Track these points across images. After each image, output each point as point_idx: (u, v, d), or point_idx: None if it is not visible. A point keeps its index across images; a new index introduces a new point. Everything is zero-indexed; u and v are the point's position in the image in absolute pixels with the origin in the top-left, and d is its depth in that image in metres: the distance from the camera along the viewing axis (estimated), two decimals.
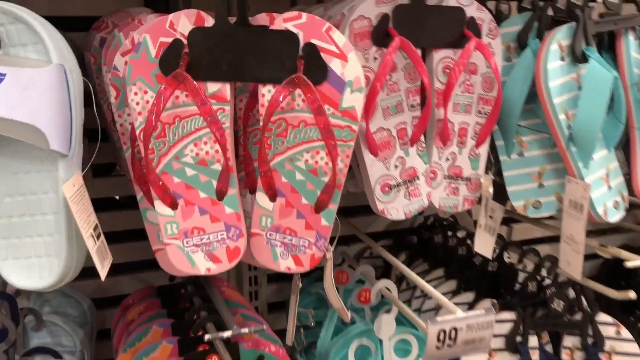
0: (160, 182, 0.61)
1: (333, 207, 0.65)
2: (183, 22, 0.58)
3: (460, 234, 1.21)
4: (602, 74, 0.77)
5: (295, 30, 0.62)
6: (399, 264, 0.95)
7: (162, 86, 0.57)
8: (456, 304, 1.06)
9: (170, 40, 0.58)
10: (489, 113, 0.81)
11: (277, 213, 0.64)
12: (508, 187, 0.86)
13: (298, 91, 0.62)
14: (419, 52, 0.76)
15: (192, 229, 0.63)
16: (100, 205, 0.78)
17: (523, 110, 0.83)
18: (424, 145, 0.79)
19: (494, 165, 0.85)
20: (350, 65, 0.64)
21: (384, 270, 1.23)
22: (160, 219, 0.63)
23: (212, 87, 0.60)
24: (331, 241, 0.68)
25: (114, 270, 0.66)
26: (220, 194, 0.63)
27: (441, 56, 0.78)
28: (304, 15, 0.62)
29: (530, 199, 0.86)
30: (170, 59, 0.58)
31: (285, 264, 0.65)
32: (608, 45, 0.87)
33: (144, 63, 0.58)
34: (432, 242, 1.22)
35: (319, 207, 0.64)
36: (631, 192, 0.86)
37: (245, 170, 0.69)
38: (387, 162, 0.76)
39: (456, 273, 1.11)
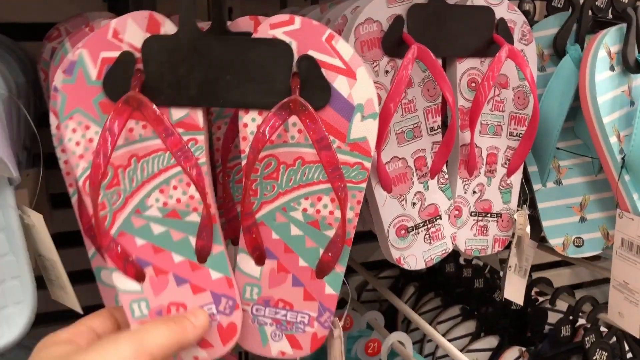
0: (118, 248, 0.46)
1: (340, 269, 0.50)
2: (131, 29, 0.43)
3: (475, 262, 1.07)
4: None
5: (287, 39, 0.47)
6: (404, 307, 0.81)
7: (110, 116, 0.42)
8: (477, 350, 0.92)
9: (115, 54, 0.43)
10: (523, 135, 0.66)
11: (266, 281, 0.49)
12: (544, 221, 0.72)
13: (293, 119, 0.47)
14: (439, 62, 0.62)
15: (167, 307, 0.48)
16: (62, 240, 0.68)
17: (560, 130, 0.69)
18: (446, 176, 0.64)
19: (527, 195, 0.71)
20: (359, 84, 0.48)
21: (391, 304, 1.09)
22: (122, 296, 0.47)
23: (178, 112, 0.45)
24: (339, 305, 0.53)
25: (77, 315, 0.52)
26: (202, 254, 0.48)
27: (466, 67, 0.63)
28: (298, 19, 0.47)
29: (571, 235, 0.72)
30: (118, 80, 0.43)
31: (278, 348, 0.50)
32: None
33: (82, 88, 0.43)
34: (444, 272, 1.07)
35: (322, 270, 0.49)
36: None
37: (225, 216, 0.55)
38: (402, 199, 0.62)
39: (474, 311, 0.97)
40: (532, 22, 0.84)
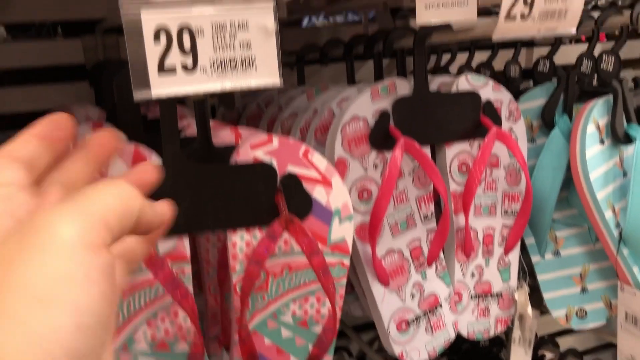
0: None
1: (328, 359, 0.52)
2: (116, 166, 0.43)
3: None
4: None
5: (267, 159, 0.47)
6: None
7: None
8: None
9: None
10: (518, 213, 0.66)
11: None
12: (545, 293, 0.72)
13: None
14: (428, 151, 0.61)
15: None
16: None
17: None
18: (443, 263, 0.63)
19: (526, 271, 0.70)
20: (335, 191, 0.51)
21: None
22: None
23: (165, 244, 0.45)
24: None
25: None
26: None
27: (455, 151, 0.63)
28: (275, 139, 0.48)
29: (573, 306, 0.71)
30: None
31: None
32: None
33: None
34: None
35: None
36: None
37: (218, 325, 0.54)
38: (401, 291, 0.61)
39: None
40: (518, 89, 0.84)
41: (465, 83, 0.63)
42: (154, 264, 0.44)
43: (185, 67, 0.39)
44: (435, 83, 0.65)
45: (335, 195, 0.51)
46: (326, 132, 0.61)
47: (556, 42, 0.81)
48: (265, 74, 0.41)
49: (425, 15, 0.52)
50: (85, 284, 0.24)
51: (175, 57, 0.38)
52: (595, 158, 0.64)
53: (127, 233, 0.28)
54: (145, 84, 0.38)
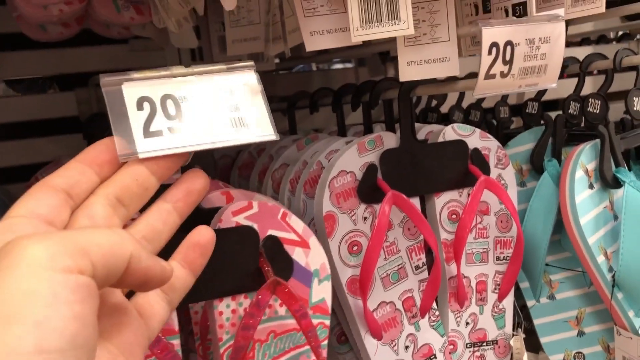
0: None
1: None
2: None
3: None
4: None
5: (248, 224, 0.48)
6: None
7: None
8: None
9: None
10: (510, 259, 0.66)
11: None
12: (541, 337, 0.71)
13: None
14: (416, 202, 0.62)
15: None
16: None
17: (548, 245, 0.68)
18: (437, 313, 0.63)
19: (521, 317, 0.70)
20: (313, 251, 0.51)
21: None
22: None
23: None
24: None
25: None
26: None
27: (445, 200, 0.63)
28: (255, 203, 0.48)
29: (571, 350, 0.71)
30: None
31: None
32: (636, 155, 0.74)
33: None
34: None
35: None
36: None
37: None
38: (394, 344, 0.60)
39: None
40: (509, 129, 0.85)
41: (452, 133, 0.63)
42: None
43: (170, 130, 0.39)
44: (424, 132, 0.66)
45: (313, 256, 0.51)
46: (315, 185, 0.61)
47: None
48: (259, 130, 0.41)
49: (408, 71, 0.53)
50: (53, 303, 0.23)
51: (160, 122, 0.39)
52: (585, 203, 0.64)
53: (117, 277, 0.27)
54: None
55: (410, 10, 0.42)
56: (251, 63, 0.40)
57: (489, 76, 0.47)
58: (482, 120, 0.88)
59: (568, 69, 0.76)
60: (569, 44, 1.31)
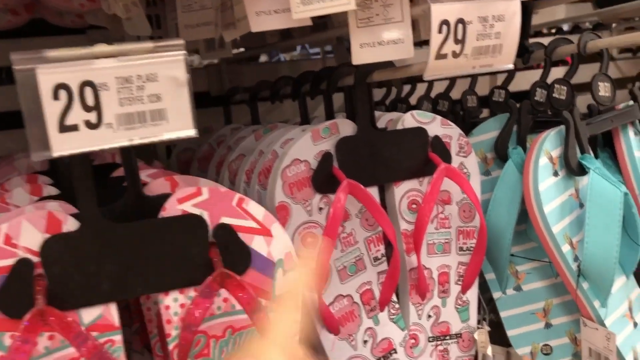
0: None
1: None
2: (27, 232, 0.40)
3: None
4: (609, 191, 0.61)
5: (197, 211, 0.45)
6: None
7: (17, 340, 0.38)
8: None
9: (9, 263, 0.40)
10: (473, 249, 0.64)
11: None
12: (508, 330, 0.69)
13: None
14: (375, 192, 0.59)
15: None
16: None
17: (514, 235, 0.67)
18: (397, 306, 0.61)
19: (486, 310, 0.68)
20: (276, 240, 0.47)
21: None
22: None
23: (90, 314, 0.42)
24: None
25: None
26: None
27: (404, 190, 0.61)
28: (205, 189, 0.45)
29: (538, 343, 0.69)
30: (16, 292, 0.39)
31: None
32: (604, 142, 0.72)
33: None
34: None
35: None
36: None
37: None
38: (352, 339, 0.58)
39: None
40: (478, 118, 0.83)
41: (411, 120, 0.61)
42: (77, 337, 0.41)
43: (88, 124, 0.36)
44: (384, 120, 0.64)
45: (276, 245, 0.48)
46: (270, 175, 0.59)
47: (510, 72, 0.80)
48: (179, 125, 0.39)
49: (361, 54, 0.51)
50: None
51: (77, 115, 0.36)
52: (549, 191, 0.62)
53: None
54: (45, 144, 0.36)
55: None
56: (181, 42, 0.38)
57: (440, 56, 0.45)
58: (451, 110, 0.86)
59: (534, 54, 0.74)
60: (542, 34, 1.30)
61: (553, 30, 1.33)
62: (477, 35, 0.46)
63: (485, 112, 0.89)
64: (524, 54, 0.72)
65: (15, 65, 0.35)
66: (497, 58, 0.48)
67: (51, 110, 0.35)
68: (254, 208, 0.47)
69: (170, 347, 0.45)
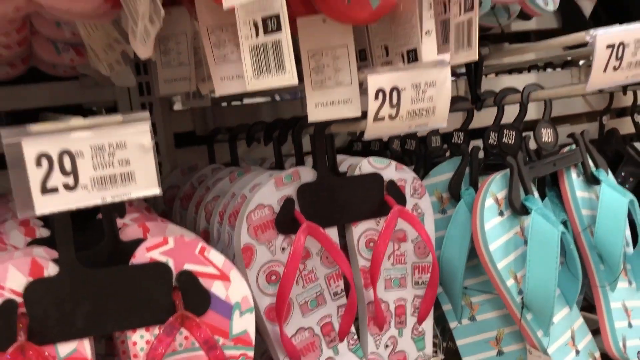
0: None
1: None
2: (13, 277, 0.47)
3: None
4: (548, 231, 0.67)
5: (163, 259, 0.51)
6: None
7: None
8: None
9: None
10: (427, 284, 0.70)
11: None
12: (464, 357, 0.75)
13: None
14: (334, 231, 0.66)
15: None
16: None
17: (467, 269, 0.72)
18: (355, 337, 0.67)
19: (441, 339, 0.74)
20: (234, 285, 0.54)
21: None
22: None
23: (66, 348, 0.48)
24: None
25: None
26: None
27: (362, 229, 0.67)
28: (171, 239, 0.51)
29: None
30: (2, 330, 0.46)
31: None
32: (552, 181, 0.78)
33: None
34: None
35: None
36: (602, 348, 0.75)
37: None
38: None
39: None
40: (439, 157, 0.89)
41: (367, 166, 0.67)
42: None
43: (67, 187, 0.43)
44: (346, 165, 0.70)
45: (234, 288, 0.54)
46: None
47: (469, 115, 0.86)
48: (145, 185, 0.45)
49: (315, 113, 0.57)
50: None
51: (57, 178, 0.42)
52: (494, 230, 0.68)
53: None
54: (30, 204, 0.42)
55: (293, 63, 0.47)
56: (146, 115, 0.44)
57: (377, 119, 0.52)
58: (417, 149, 0.92)
59: (486, 101, 0.80)
60: (518, 70, 1.37)
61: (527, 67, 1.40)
62: (411, 100, 0.52)
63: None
64: (476, 101, 0.78)
65: (4, 139, 0.41)
66: (432, 118, 0.54)
67: (34, 175, 0.42)
68: (215, 256, 0.53)
69: None
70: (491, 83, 1.24)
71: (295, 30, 0.56)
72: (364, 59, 0.67)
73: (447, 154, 0.93)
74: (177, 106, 1.10)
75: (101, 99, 1.00)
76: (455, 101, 0.86)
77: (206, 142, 1.01)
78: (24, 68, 0.84)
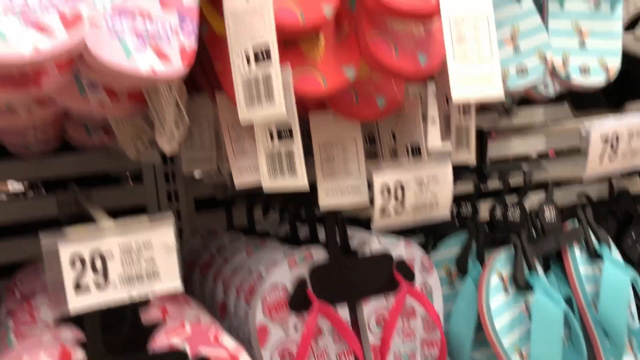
0: None
1: None
2: None
3: None
4: (551, 310, 0.69)
5: (180, 344, 0.55)
6: None
7: None
8: None
9: None
10: (437, 358, 0.72)
11: None
12: None
13: None
14: (345, 308, 0.69)
15: None
16: None
17: (475, 342, 0.75)
18: None
19: None
20: None
21: None
22: None
23: None
24: None
25: None
26: None
27: (372, 307, 0.70)
28: (188, 325, 0.55)
29: None
30: None
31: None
32: (556, 255, 0.81)
33: None
34: None
35: None
36: None
37: None
38: None
39: None
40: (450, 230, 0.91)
41: (377, 243, 0.71)
42: None
43: (97, 285, 0.47)
44: (356, 240, 0.73)
45: None
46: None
47: (476, 188, 0.90)
48: (169, 281, 0.49)
49: (326, 199, 0.62)
50: None
51: (88, 278, 0.47)
52: (500, 308, 0.71)
53: None
54: (64, 302, 0.46)
55: (304, 168, 0.51)
56: (169, 215, 0.49)
57: (384, 215, 0.56)
58: None
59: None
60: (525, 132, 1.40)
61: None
62: (414, 195, 0.56)
63: None
64: (482, 179, 0.82)
65: (43, 242, 0.46)
66: (435, 210, 0.58)
67: (69, 275, 0.46)
68: (227, 340, 0.56)
69: None
70: (500, 145, 1.27)
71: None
72: (372, 142, 0.72)
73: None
74: (198, 174, 1.15)
75: (127, 167, 1.05)
76: (460, 174, 0.89)
77: (225, 207, 1.06)
78: (57, 144, 0.90)
